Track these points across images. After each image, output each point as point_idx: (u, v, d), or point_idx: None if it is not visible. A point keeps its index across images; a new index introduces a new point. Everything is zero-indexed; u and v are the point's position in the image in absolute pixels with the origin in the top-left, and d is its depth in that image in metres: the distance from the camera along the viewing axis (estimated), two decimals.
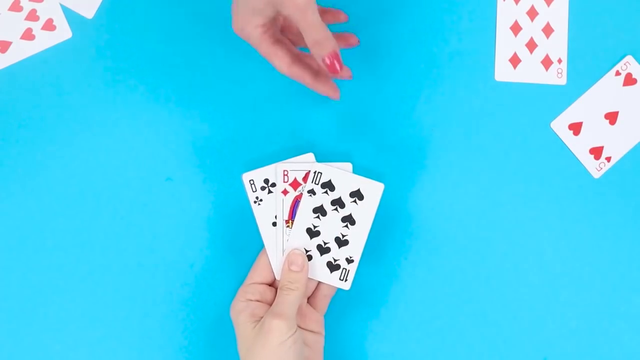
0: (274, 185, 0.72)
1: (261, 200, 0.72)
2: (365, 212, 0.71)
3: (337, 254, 0.71)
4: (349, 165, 0.72)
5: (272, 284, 0.72)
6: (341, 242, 0.71)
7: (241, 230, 0.76)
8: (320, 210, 0.71)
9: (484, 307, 0.76)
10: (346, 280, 0.71)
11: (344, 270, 0.71)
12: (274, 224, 0.72)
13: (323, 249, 0.71)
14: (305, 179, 0.71)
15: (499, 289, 0.76)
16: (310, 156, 0.72)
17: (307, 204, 0.71)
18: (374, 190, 0.71)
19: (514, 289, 0.76)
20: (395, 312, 0.76)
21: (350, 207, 0.71)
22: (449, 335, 0.76)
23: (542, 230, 0.76)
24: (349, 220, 0.71)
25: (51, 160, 0.77)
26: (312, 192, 0.71)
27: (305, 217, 0.71)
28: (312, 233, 0.71)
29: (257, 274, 0.72)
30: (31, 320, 0.76)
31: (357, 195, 0.71)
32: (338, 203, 0.71)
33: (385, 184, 0.75)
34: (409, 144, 0.77)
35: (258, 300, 0.70)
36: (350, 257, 0.71)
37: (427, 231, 0.76)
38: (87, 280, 0.76)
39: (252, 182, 0.72)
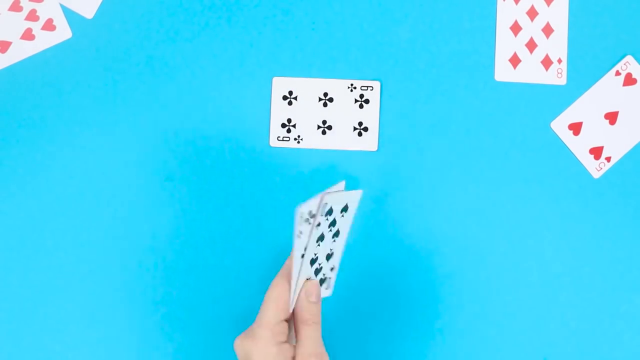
0: (313, 216, 0.64)
1: (301, 232, 0.63)
2: (346, 221, 0.68)
3: (326, 268, 0.68)
4: (342, 184, 0.67)
5: (288, 320, 0.65)
6: (329, 256, 0.67)
7: (241, 231, 0.76)
8: (320, 238, 0.66)
9: (484, 307, 0.76)
10: (328, 287, 0.68)
11: (328, 279, 0.68)
12: (303, 255, 0.65)
13: (317, 270, 0.67)
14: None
15: (499, 289, 0.76)
16: (341, 184, 0.66)
17: (314, 236, 0.64)
18: (354, 198, 0.67)
19: (514, 289, 0.76)
20: (395, 312, 0.76)
21: (339, 223, 0.67)
22: (449, 335, 0.76)
23: (542, 230, 0.76)
24: (337, 234, 0.67)
25: (51, 160, 0.77)
26: (318, 224, 0.64)
27: (311, 249, 0.65)
28: (313, 261, 0.66)
29: (280, 309, 0.63)
30: (31, 320, 0.76)
31: (344, 209, 0.67)
32: (332, 224, 0.66)
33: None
34: (409, 145, 0.77)
35: (286, 342, 0.63)
36: (333, 267, 0.68)
37: (426, 231, 0.76)
38: (87, 280, 0.76)
39: (302, 215, 0.62)
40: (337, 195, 0.65)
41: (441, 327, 0.76)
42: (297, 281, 0.64)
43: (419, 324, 0.76)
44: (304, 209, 0.62)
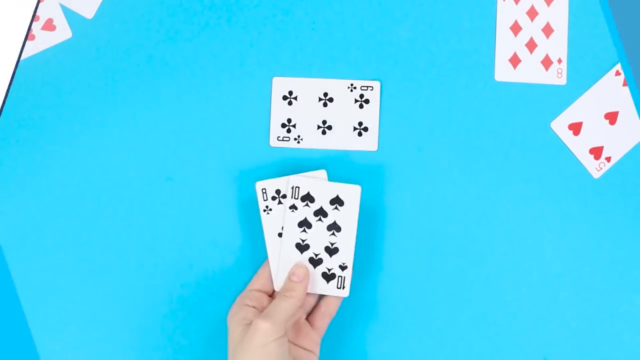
0: (284, 196, 0.72)
1: (270, 209, 0.72)
2: (348, 217, 0.71)
3: (330, 263, 0.72)
4: (323, 173, 0.72)
5: (272, 295, 0.72)
6: (331, 250, 0.71)
7: (241, 231, 0.76)
8: (305, 224, 0.71)
9: (484, 307, 0.76)
10: (344, 287, 0.72)
11: (340, 278, 0.72)
12: (280, 234, 0.72)
13: (315, 261, 0.71)
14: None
15: (499, 289, 0.76)
16: (322, 173, 0.72)
17: (291, 219, 0.71)
18: (352, 193, 0.71)
19: (513, 289, 0.76)
20: (395, 312, 0.76)
21: (333, 215, 0.71)
22: (449, 335, 0.76)
23: (542, 230, 0.76)
24: (334, 227, 0.71)
25: (51, 160, 0.77)
26: (293, 207, 0.71)
27: (292, 232, 0.71)
28: (302, 247, 0.71)
29: (258, 282, 0.72)
30: (31, 320, 0.76)
31: (337, 201, 0.71)
32: (321, 213, 0.71)
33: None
34: (409, 145, 0.77)
35: (253, 307, 0.70)
36: (344, 264, 0.72)
37: (426, 231, 0.76)
38: (87, 280, 0.76)
39: (264, 190, 0.72)
40: (305, 178, 0.71)
41: (441, 327, 0.76)
42: (278, 260, 0.71)
43: (418, 324, 0.76)
44: (262, 185, 0.72)
